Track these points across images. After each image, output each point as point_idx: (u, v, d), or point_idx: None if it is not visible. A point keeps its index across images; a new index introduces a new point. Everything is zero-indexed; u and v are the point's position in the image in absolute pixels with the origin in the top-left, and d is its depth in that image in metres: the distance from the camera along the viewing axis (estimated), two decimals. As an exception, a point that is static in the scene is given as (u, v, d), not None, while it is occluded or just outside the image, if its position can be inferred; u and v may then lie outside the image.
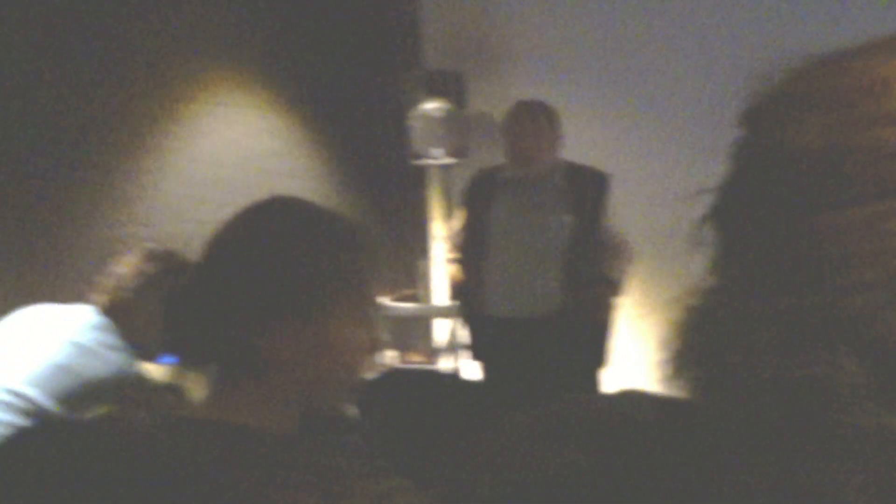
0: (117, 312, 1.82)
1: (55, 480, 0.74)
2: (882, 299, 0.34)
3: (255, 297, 0.86)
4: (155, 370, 1.98)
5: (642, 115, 3.97)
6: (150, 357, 1.89)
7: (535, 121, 2.89)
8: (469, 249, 3.00)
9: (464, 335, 3.22)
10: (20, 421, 1.64)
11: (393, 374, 2.66)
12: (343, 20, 4.32)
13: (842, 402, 0.34)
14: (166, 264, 1.84)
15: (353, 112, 4.36)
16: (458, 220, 3.15)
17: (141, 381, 1.81)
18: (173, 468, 0.75)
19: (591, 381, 2.92)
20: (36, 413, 1.66)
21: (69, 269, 2.97)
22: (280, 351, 0.86)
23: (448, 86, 4.31)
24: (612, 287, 2.90)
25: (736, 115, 0.44)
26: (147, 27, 3.35)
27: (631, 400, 0.58)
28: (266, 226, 0.90)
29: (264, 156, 3.90)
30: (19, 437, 0.79)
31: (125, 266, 1.85)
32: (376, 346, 0.95)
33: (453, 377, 3.32)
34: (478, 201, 2.98)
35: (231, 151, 3.74)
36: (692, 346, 0.47)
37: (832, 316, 0.35)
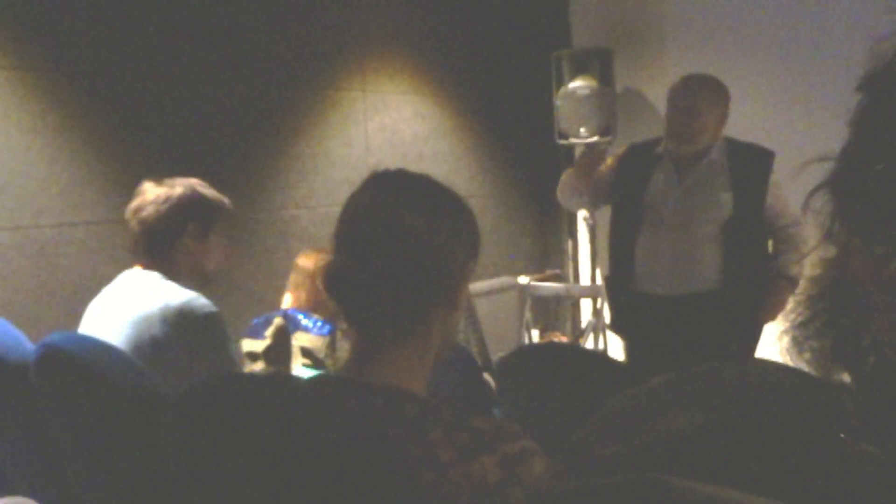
0: (153, 259, 1.89)
1: (227, 429, 0.84)
2: None
3: (420, 280, 0.94)
4: (310, 340, 2.12)
5: (800, 90, 3.73)
6: (207, 277, 1.97)
7: (698, 99, 2.75)
8: (621, 225, 2.95)
9: (610, 312, 3.19)
10: None
11: (533, 349, 2.69)
12: (490, 2, 4.36)
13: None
14: (165, 191, 1.91)
15: (500, 93, 4.40)
16: (607, 164, 3.05)
17: (191, 311, 1.82)
18: (331, 422, 0.83)
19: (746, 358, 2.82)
20: None
21: (247, 250, 3.22)
22: (432, 320, 0.95)
23: (595, 63, 4.24)
24: (791, 284, 2.77)
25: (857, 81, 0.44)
26: (302, 21, 3.55)
27: (760, 369, 0.58)
28: (421, 211, 0.96)
29: (413, 140, 4.03)
30: (195, 389, 0.91)
31: (132, 221, 1.92)
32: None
33: (596, 354, 3.30)
34: (633, 176, 2.90)
35: (382, 136, 3.89)
36: (813, 317, 0.48)
37: None
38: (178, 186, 1.94)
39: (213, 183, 2.03)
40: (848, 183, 0.43)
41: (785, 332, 0.50)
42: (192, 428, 0.88)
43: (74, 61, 2.86)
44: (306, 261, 2.57)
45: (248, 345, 2.41)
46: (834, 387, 0.45)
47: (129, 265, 1.97)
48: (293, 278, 2.58)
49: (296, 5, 3.52)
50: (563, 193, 3.03)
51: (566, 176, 3.02)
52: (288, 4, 3.49)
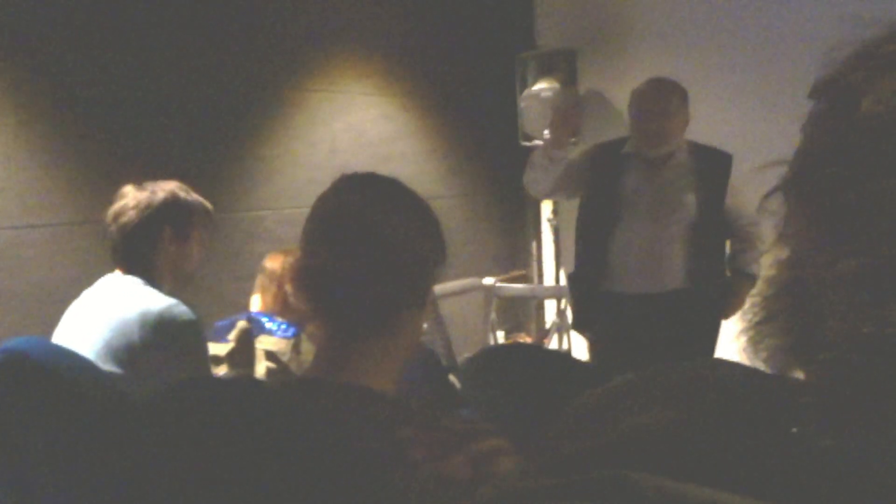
0: (133, 264, 1.88)
1: (195, 433, 0.84)
2: None
3: (393, 280, 0.95)
4: (275, 343, 2.10)
5: (760, 93, 3.81)
6: (186, 279, 1.97)
7: (667, 101, 2.81)
8: (593, 224, 2.99)
9: (572, 310, 3.22)
10: None
11: (498, 350, 2.72)
12: (456, 4, 4.37)
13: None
14: (144, 200, 1.90)
15: (465, 94, 4.42)
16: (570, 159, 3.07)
17: (172, 316, 1.81)
18: (300, 423, 0.83)
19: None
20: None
21: (212, 251, 3.17)
22: (403, 321, 0.96)
23: (559, 65, 4.29)
24: (750, 281, 2.85)
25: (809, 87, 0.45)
26: (268, 20, 3.52)
27: (719, 367, 0.60)
28: (395, 213, 0.97)
29: (379, 141, 4.02)
30: (162, 394, 0.90)
31: (112, 226, 1.90)
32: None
33: (561, 354, 3.34)
34: (604, 176, 2.95)
35: (348, 137, 3.88)
36: (769, 316, 0.49)
37: (890, 277, 0.37)
38: (160, 192, 1.94)
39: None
40: (800, 186, 0.45)
41: (742, 331, 0.51)
42: (159, 432, 0.88)
43: (33, 60, 2.81)
44: (273, 263, 2.56)
45: (212, 348, 2.38)
46: (790, 384, 0.46)
47: (90, 267, 1.95)
48: (260, 280, 2.56)
49: (261, 5, 3.49)
50: (532, 175, 3.03)
51: (535, 156, 3.06)
52: (253, 4, 3.46)
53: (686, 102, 2.86)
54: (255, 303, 2.56)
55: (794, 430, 0.42)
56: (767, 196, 0.46)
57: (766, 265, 0.50)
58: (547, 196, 4.00)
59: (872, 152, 0.39)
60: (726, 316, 2.91)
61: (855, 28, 0.45)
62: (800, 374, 0.47)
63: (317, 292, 0.95)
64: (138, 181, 2.83)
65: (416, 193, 1.01)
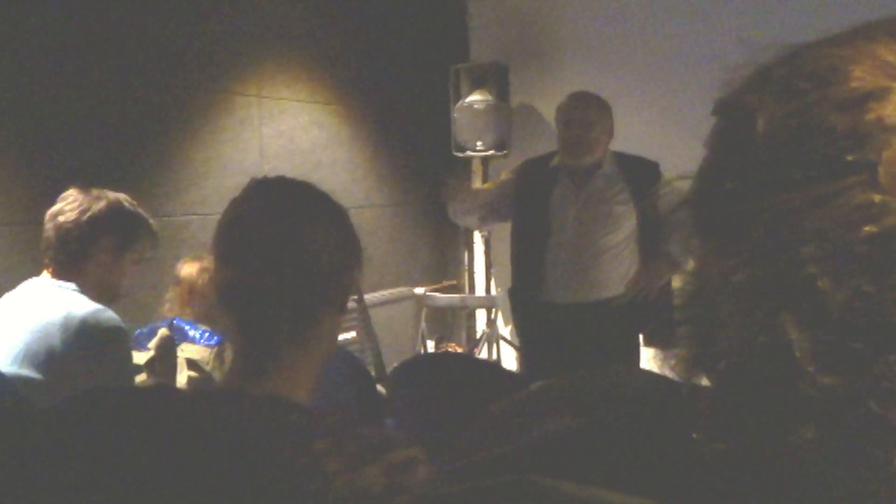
0: (64, 268, 1.83)
1: (105, 443, 0.81)
2: (822, 271, 0.37)
3: (311, 287, 0.94)
4: (197, 351, 2.06)
5: (688, 106, 3.94)
6: (114, 296, 1.91)
7: (590, 112, 2.90)
8: (526, 238, 3.03)
9: (510, 322, 3.26)
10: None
11: (426, 358, 2.71)
12: (391, 14, 4.38)
13: (787, 368, 0.37)
14: (85, 204, 1.85)
15: (399, 104, 4.42)
16: (497, 183, 3.17)
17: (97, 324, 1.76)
18: (214, 434, 0.81)
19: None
20: (28, 387, 1.68)
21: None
22: (322, 326, 0.96)
23: (491, 78, 4.34)
24: (670, 264, 2.82)
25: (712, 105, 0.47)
26: (198, 22, 3.45)
27: (625, 376, 0.62)
28: (310, 218, 0.96)
29: (311, 148, 3.98)
30: (71, 401, 0.86)
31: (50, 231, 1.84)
32: None
33: (489, 364, 3.36)
34: (533, 190, 3.00)
35: (278, 143, 3.83)
36: (677, 326, 0.51)
37: (780, 288, 0.39)
38: (103, 199, 1.88)
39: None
40: (702, 199, 0.47)
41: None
42: (66, 442, 0.84)
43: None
44: (190, 269, 2.51)
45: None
46: (691, 390, 0.48)
47: (10, 270, 1.86)
48: (176, 289, 2.51)
49: (192, 7, 3.42)
50: (453, 212, 3.18)
51: (451, 197, 3.14)
52: (184, 6, 3.39)
53: (609, 115, 2.95)
54: (166, 310, 2.51)
55: (695, 435, 0.43)
56: (676, 209, 0.48)
57: (676, 277, 0.52)
58: (479, 227, 4.07)
59: (763, 170, 0.42)
60: (629, 286, 2.84)
61: (753, 51, 0.47)
62: (706, 382, 0.49)
63: (230, 300, 0.93)
64: (58, 183, 2.73)
65: (328, 196, 1.00)
